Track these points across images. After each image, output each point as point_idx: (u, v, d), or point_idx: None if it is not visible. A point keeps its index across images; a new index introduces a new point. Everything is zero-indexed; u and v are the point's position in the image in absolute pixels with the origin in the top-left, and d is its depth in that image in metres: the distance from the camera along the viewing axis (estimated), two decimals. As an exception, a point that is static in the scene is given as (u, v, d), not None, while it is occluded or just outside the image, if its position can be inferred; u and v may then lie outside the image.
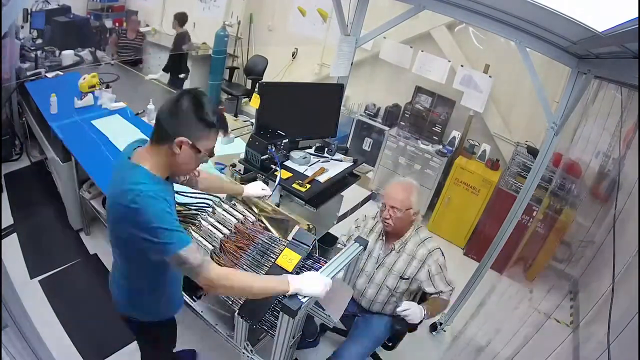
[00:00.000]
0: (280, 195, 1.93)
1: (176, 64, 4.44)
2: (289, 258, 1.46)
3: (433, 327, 2.63)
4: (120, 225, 1.09)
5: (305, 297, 1.22)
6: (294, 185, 1.87)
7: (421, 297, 1.94)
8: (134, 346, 2.05)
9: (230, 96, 4.84)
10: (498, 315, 2.24)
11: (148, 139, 1.15)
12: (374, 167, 3.94)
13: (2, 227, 2.54)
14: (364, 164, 2.29)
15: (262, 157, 1.91)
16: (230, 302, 1.42)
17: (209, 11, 5.04)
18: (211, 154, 1.15)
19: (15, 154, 3.37)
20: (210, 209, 1.66)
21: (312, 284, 1.23)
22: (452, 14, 2.09)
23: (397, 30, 2.67)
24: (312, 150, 2.19)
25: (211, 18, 4.96)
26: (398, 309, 1.72)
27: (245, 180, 1.91)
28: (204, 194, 1.66)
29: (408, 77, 3.77)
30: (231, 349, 1.50)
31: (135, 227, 1.02)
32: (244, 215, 1.65)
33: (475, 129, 3.69)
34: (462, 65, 3.43)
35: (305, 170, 2.02)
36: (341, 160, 2.19)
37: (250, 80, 4.71)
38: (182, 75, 4.50)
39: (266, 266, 1.51)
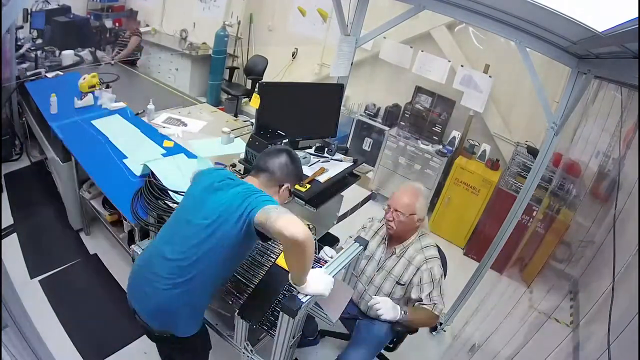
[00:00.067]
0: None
1: None
2: (289, 258, 1.46)
3: (433, 327, 2.62)
4: (230, 218, 1.21)
5: (305, 296, 1.22)
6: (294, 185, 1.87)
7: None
8: (134, 346, 2.06)
9: (230, 96, 4.84)
10: (498, 315, 2.23)
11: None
12: (374, 167, 3.93)
13: (2, 227, 2.54)
14: (364, 164, 2.29)
15: (262, 157, 1.91)
16: (231, 302, 1.42)
17: (209, 11, 5.04)
18: (291, 194, 1.52)
19: (15, 154, 3.37)
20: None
21: (317, 282, 1.24)
22: (452, 14, 2.09)
23: (397, 30, 2.68)
24: (312, 150, 2.20)
25: (211, 18, 4.96)
26: (370, 302, 1.72)
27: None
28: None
29: (408, 77, 3.77)
30: (231, 349, 1.50)
31: (246, 199, 1.21)
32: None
33: (475, 129, 3.69)
34: (462, 65, 3.43)
35: (305, 170, 2.02)
36: (341, 160, 2.19)
37: (250, 80, 4.70)
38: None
39: (266, 266, 1.51)
